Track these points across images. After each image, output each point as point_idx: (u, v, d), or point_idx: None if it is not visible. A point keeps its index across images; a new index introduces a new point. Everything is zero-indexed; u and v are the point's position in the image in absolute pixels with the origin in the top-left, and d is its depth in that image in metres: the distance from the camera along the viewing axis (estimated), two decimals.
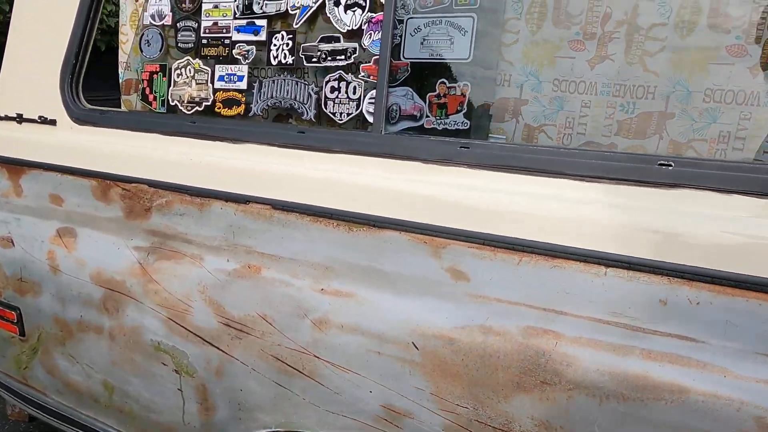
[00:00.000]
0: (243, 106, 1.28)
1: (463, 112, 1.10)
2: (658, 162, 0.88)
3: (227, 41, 1.27)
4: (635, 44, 1.06)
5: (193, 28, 1.32)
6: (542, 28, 1.13)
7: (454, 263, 0.99)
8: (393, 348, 1.02)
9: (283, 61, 1.20)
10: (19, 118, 1.59)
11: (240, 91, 1.28)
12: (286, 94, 1.21)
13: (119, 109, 1.56)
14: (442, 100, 1.08)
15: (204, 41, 1.31)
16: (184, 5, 1.35)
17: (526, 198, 0.96)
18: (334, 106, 1.16)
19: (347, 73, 1.15)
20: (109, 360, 1.42)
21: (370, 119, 1.12)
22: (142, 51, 1.42)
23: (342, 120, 1.16)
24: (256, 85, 1.26)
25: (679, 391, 0.82)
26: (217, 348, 1.22)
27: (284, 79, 1.21)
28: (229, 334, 1.20)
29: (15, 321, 1.60)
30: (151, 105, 1.43)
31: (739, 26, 1.01)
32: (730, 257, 0.81)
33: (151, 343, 1.32)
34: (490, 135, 1.18)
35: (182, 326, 1.26)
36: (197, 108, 1.35)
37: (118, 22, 1.75)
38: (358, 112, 1.14)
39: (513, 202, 0.96)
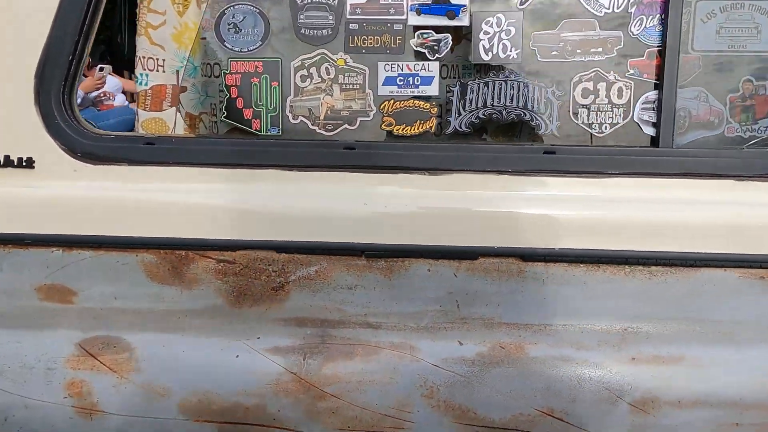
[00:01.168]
0: (433, 120, 0.89)
1: None
2: None
3: (398, 27, 0.86)
4: None
5: (330, 5, 0.86)
6: None
7: None
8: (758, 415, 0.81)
9: (502, 56, 0.85)
10: None
11: (426, 98, 0.88)
12: (509, 100, 0.87)
13: (173, 135, 0.95)
14: (748, 102, 0.88)
15: (353, 26, 0.86)
16: None
17: None
18: (589, 115, 0.87)
19: (608, 72, 0.87)
20: None
21: (648, 130, 0.87)
22: (223, 40, 0.88)
23: (603, 132, 0.88)
24: (455, 90, 0.88)
25: None
26: None
27: (505, 81, 0.86)
28: None
29: None
30: (249, 125, 0.89)
31: None
32: None
33: None
34: None
35: None
36: (347, 126, 0.89)
37: None
38: (627, 120, 0.88)
39: None
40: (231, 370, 0.85)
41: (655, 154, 0.85)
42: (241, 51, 0.91)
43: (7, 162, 0.88)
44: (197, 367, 0.86)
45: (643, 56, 0.88)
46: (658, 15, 0.85)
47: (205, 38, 0.91)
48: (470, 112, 0.89)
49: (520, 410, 0.83)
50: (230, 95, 0.91)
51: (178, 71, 0.94)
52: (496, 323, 0.86)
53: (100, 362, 0.86)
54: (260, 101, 0.90)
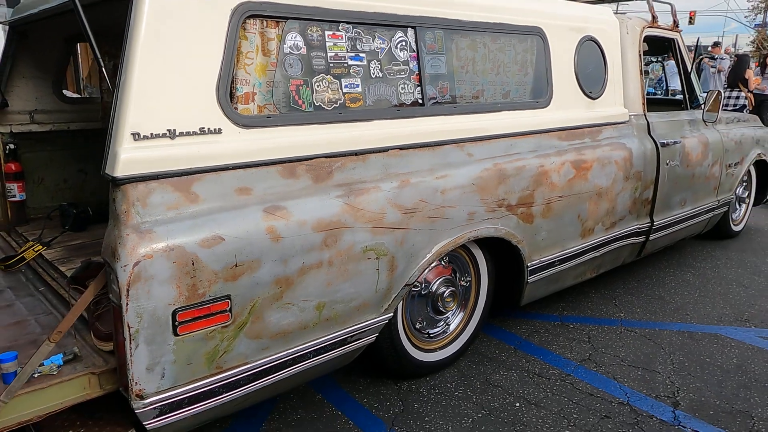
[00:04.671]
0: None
1: None
2: None
3: None
4: None
5: None
6: None
7: None
8: None
9: None
10: (172, 134, 1.72)
11: None
12: None
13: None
14: None
15: None
16: None
17: None
18: None
19: None
20: (325, 283, 2.03)
21: None
22: None
23: None
24: None
25: None
26: (401, 228, 2.22)
27: None
28: (404, 218, 2.23)
29: (227, 309, 1.80)
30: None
31: None
32: None
33: (361, 248, 2.10)
34: None
35: (381, 227, 2.15)
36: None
37: None
38: None
39: None
40: (326, 207, 2.02)
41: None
42: None
43: (207, 131, 1.77)
44: (314, 209, 1.98)
45: None
46: None
47: None
48: None
49: (412, 201, 2.29)
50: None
51: None
52: (399, 174, 2.28)
53: (280, 217, 1.89)
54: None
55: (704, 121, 4.12)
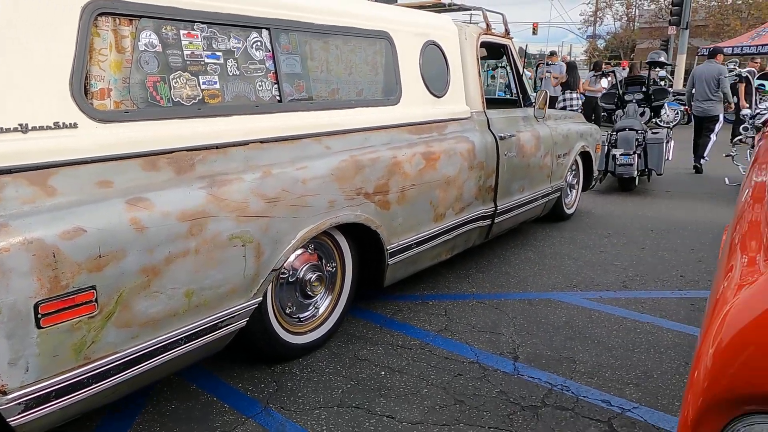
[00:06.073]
0: None
1: None
2: None
3: None
4: None
5: None
6: None
7: None
8: None
9: None
10: (24, 128, 1.73)
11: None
12: None
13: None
14: None
15: None
16: None
17: None
18: None
19: None
20: (193, 270, 2.12)
21: None
22: None
23: None
24: None
25: None
26: (265, 216, 2.37)
27: None
28: (268, 206, 2.38)
29: (93, 300, 1.83)
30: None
31: None
32: None
33: (227, 236, 2.22)
34: None
35: (245, 216, 2.29)
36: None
37: None
38: None
39: None
40: (189, 198, 2.11)
41: None
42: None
43: (61, 125, 1.79)
44: (178, 200, 2.07)
45: None
46: None
47: None
48: None
49: (275, 191, 2.45)
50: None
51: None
52: (262, 165, 2.42)
53: (143, 208, 1.95)
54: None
55: (536, 118, 4.71)
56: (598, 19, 36.43)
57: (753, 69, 10.95)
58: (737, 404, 0.80)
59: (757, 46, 16.58)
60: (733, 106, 9.00)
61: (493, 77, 14.56)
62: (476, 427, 2.37)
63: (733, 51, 17.41)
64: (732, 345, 0.81)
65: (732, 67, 9.02)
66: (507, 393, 2.62)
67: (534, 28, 32.25)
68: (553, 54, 13.19)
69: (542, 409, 2.50)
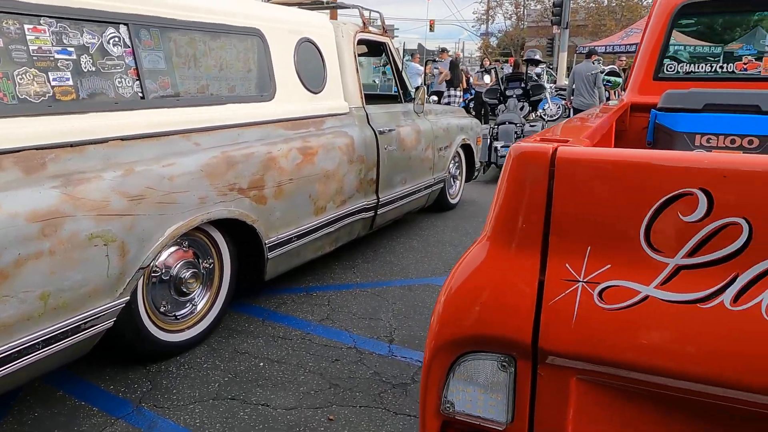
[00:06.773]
0: None
1: None
2: None
3: None
4: None
5: None
6: None
7: None
8: None
9: None
10: None
11: None
12: None
13: None
14: None
15: None
16: None
17: None
18: None
19: None
20: (48, 272, 2.06)
21: None
22: None
23: None
24: None
25: None
26: (128, 215, 2.34)
27: None
28: (131, 204, 2.36)
29: None
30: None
31: None
32: None
33: (86, 236, 2.18)
34: None
35: (106, 214, 2.25)
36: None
37: None
38: None
39: None
40: (41, 198, 2.05)
41: None
42: None
43: None
44: (27, 200, 2.00)
45: None
46: None
47: None
48: None
49: (139, 188, 2.42)
50: None
51: None
52: (127, 162, 2.39)
53: None
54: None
55: (416, 113, 4.93)
56: (490, 17, 38.10)
57: (615, 68, 12.02)
58: (457, 346, 0.96)
59: (626, 45, 18.12)
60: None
61: (384, 73, 14.87)
62: (348, 407, 2.49)
63: (605, 50, 18.95)
64: (453, 295, 0.98)
65: (597, 65, 9.90)
66: (380, 374, 2.77)
67: (431, 25, 33.17)
68: (444, 51, 13.70)
69: (411, 385, 2.67)
